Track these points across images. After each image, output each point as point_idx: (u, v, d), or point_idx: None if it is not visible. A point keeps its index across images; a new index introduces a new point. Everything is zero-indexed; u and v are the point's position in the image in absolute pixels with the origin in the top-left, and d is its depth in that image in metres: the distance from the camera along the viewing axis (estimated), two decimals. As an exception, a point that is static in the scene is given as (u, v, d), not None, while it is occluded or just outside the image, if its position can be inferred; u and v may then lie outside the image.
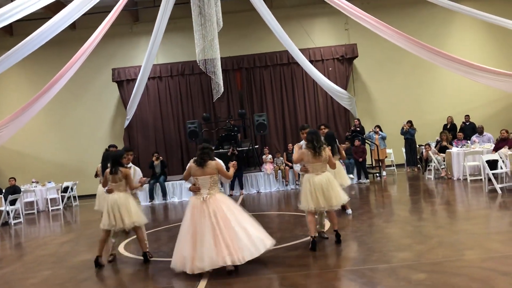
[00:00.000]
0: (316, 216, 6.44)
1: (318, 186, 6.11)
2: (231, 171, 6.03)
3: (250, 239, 5.51)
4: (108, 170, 6.37)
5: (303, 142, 8.12)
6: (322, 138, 6.93)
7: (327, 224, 7.17)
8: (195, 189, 5.76)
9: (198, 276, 5.37)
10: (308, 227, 6.31)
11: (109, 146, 8.87)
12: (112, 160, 6.33)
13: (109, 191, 6.31)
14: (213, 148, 7.08)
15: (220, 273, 5.39)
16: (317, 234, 6.45)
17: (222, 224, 5.44)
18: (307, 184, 6.21)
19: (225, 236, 5.38)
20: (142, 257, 6.56)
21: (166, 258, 6.49)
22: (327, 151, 6.31)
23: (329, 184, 6.14)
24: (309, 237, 6.34)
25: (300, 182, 7.35)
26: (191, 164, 5.88)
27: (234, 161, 6.27)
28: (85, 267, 6.44)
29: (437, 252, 5.56)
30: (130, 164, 6.89)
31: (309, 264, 5.70)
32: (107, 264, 6.42)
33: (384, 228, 7.34)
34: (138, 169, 7.09)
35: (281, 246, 6.56)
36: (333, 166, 6.51)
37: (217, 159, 6.03)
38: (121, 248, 7.43)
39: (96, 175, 8.29)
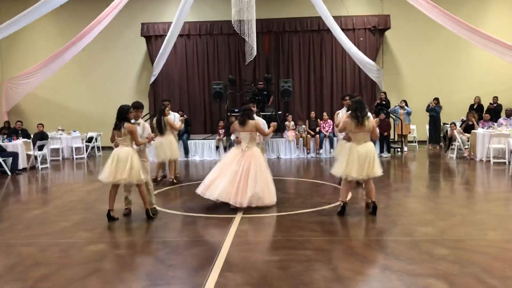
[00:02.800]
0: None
1: (358, 156, 6.14)
2: (271, 129, 7.19)
3: (260, 192, 6.74)
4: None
5: (343, 110, 8.16)
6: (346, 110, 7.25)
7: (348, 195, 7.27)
8: (237, 141, 7.10)
9: (225, 230, 5.57)
10: (341, 193, 6.48)
11: (163, 100, 9.51)
12: (118, 115, 6.22)
13: (116, 145, 6.33)
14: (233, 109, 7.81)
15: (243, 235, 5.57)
16: (347, 200, 6.59)
17: (244, 174, 6.72)
18: (349, 153, 6.26)
19: (240, 182, 6.66)
20: (166, 210, 6.82)
21: (192, 213, 6.73)
22: (370, 121, 6.31)
23: (369, 155, 6.17)
24: (338, 202, 6.55)
25: (335, 150, 7.69)
26: (235, 122, 7.18)
27: (275, 122, 7.18)
28: (117, 216, 6.68)
29: (459, 230, 5.65)
30: (139, 120, 6.86)
31: (332, 231, 5.84)
32: (138, 215, 6.60)
33: (405, 202, 7.43)
34: (147, 125, 7.13)
35: (303, 211, 6.73)
36: (375, 137, 6.56)
37: (258, 118, 7.06)
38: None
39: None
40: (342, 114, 6.98)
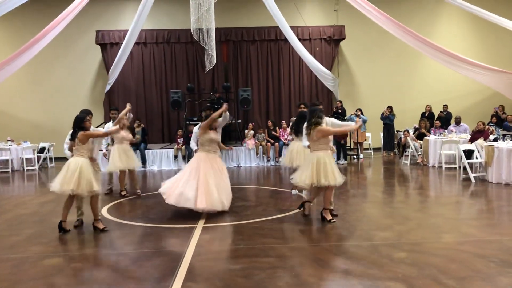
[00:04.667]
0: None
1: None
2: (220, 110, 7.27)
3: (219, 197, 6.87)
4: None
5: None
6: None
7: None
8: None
9: (186, 240, 5.49)
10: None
11: (111, 109, 9.20)
12: (74, 124, 6.10)
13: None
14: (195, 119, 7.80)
15: (204, 246, 5.51)
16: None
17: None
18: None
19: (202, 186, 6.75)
20: (125, 221, 6.67)
21: (152, 224, 6.59)
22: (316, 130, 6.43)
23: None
24: (297, 210, 6.92)
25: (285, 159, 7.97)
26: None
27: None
28: (70, 227, 6.43)
29: (416, 234, 5.82)
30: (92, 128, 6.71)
31: (294, 238, 5.88)
32: (90, 227, 6.40)
33: (363, 208, 7.59)
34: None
35: (264, 219, 6.74)
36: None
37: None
38: (104, 212, 7.46)
39: None
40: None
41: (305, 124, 6.72)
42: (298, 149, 8.03)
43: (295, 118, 8.64)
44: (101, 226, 6.27)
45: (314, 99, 16.14)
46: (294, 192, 8.67)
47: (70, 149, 6.30)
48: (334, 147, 7.38)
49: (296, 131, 8.20)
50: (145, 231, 6.28)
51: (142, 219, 6.97)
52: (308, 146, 6.64)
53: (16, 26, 15.78)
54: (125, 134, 8.97)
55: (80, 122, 6.10)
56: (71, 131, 6.20)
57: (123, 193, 9.00)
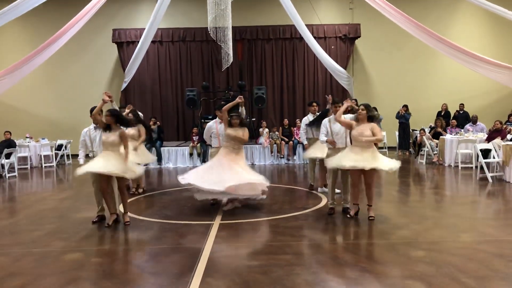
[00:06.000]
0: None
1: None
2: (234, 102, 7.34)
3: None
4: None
5: (309, 116, 8.35)
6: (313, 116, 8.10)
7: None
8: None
9: (204, 236, 5.55)
10: (351, 197, 6.75)
11: (120, 107, 9.21)
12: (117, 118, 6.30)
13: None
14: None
15: (223, 238, 5.57)
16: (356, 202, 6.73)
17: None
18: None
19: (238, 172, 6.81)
20: (143, 217, 6.78)
21: (169, 220, 6.67)
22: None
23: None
24: (320, 206, 7.12)
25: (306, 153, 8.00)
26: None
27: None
28: (88, 224, 6.56)
29: (433, 233, 5.81)
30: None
31: (311, 235, 5.91)
32: (113, 224, 6.53)
33: (380, 207, 7.55)
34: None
35: (281, 217, 6.77)
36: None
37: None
38: (121, 208, 7.55)
39: None
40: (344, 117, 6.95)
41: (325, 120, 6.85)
42: (319, 144, 7.92)
43: (315, 116, 8.53)
44: (126, 218, 6.49)
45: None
46: (321, 189, 8.63)
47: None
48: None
49: (318, 127, 8.07)
50: (162, 227, 6.36)
51: (159, 215, 7.06)
52: (328, 141, 6.64)
53: (34, 25, 16.02)
54: (132, 132, 8.89)
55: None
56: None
57: (133, 190, 9.09)
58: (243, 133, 7.08)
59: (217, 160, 7.02)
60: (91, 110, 6.56)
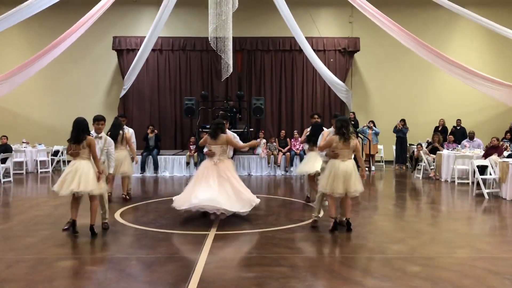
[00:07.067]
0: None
1: (343, 172, 6.28)
2: (248, 144, 7.70)
3: (240, 199, 6.94)
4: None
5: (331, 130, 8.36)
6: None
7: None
8: (210, 154, 7.14)
9: (199, 246, 5.52)
10: (329, 209, 6.59)
11: (119, 116, 9.21)
12: (79, 128, 6.08)
13: (73, 155, 6.16)
14: (225, 122, 7.65)
15: (217, 247, 5.54)
16: (337, 217, 6.66)
17: (228, 181, 6.92)
18: (334, 170, 6.35)
19: (227, 188, 6.83)
20: (137, 226, 6.74)
21: (164, 230, 6.63)
22: (355, 140, 6.48)
23: (352, 171, 6.33)
24: (311, 220, 6.84)
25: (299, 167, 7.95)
26: (206, 135, 7.28)
27: (257, 140, 7.67)
28: (83, 231, 6.51)
29: (429, 248, 5.79)
30: (102, 134, 6.94)
31: (306, 248, 5.90)
32: (110, 230, 6.52)
33: (376, 220, 7.57)
34: (109, 139, 7.11)
35: (277, 229, 6.74)
36: (359, 157, 6.75)
37: (229, 131, 7.21)
38: (117, 216, 7.53)
39: None
40: (325, 132, 7.04)
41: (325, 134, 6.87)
42: (316, 158, 7.96)
43: (309, 129, 8.63)
44: (103, 223, 6.46)
45: (326, 110, 16.21)
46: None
47: (68, 151, 6.30)
48: None
49: (314, 142, 8.11)
50: (157, 237, 6.32)
51: (154, 224, 7.02)
52: (327, 155, 6.63)
53: (35, 30, 16.06)
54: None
55: (87, 125, 6.18)
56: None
57: (125, 196, 9.12)
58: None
59: (203, 175, 7.02)
60: (97, 119, 6.78)
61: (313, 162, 8.19)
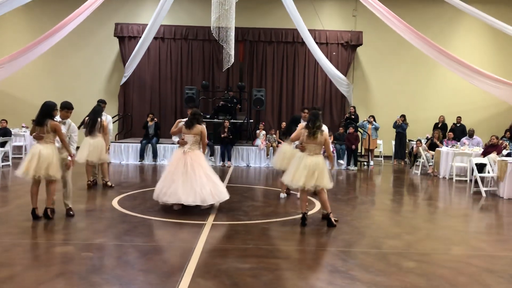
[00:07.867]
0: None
1: (307, 166, 6.28)
2: (206, 143, 7.36)
3: (214, 188, 6.97)
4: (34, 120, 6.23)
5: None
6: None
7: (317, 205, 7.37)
8: (182, 143, 7.18)
9: (196, 236, 5.53)
10: (300, 203, 6.62)
11: (100, 101, 9.11)
12: (42, 111, 6.15)
13: (37, 138, 6.20)
14: (203, 114, 7.77)
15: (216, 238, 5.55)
16: (307, 211, 6.68)
17: (193, 173, 6.89)
18: (298, 163, 6.38)
19: (193, 181, 6.80)
20: (135, 214, 6.77)
21: (161, 218, 6.64)
22: (324, 135, 6.45)
23: (318, 166, 6.30)
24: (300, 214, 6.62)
25: (273, 159, 8.00)
26: (182, 123, 7.28)
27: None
28: (81, 216, 6.54)
29: (425, 244, 5.81)
30: (67, 120, 6.78)
31: (303, 240, 5.91)
32: (107, 217, 6.53)
33: (372, 215, 7.59)
34: (74, 125, 6.99)
35: (274, 220, 6.77)
36: (328, 154, 6.72)
37: (203, 126, 7.24)
38: (115, 204, 7.54)
39: (81, 126, 8.76)
40: (300, 125, 7.11)
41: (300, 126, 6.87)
42: (290, 152, 7.86)
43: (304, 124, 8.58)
44: (50, 214, 6.36)
45: (327, 104, 16.20)
46: (282, 195, 8.61)
47: (31, 133, 6.36)
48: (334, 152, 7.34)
49: (286, 134, 8.27)
50: (155, 225, 6.34)
51: (151, 212, 7.03)
52: (297, 147, 6.62)
53: (37, 15, 15.96)
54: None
55: (50, 110, 6.20)
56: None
57: (107, 182, 9.10)
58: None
59: (174, 168, 7.06)
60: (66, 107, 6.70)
61: (282, 159, 8.27)
